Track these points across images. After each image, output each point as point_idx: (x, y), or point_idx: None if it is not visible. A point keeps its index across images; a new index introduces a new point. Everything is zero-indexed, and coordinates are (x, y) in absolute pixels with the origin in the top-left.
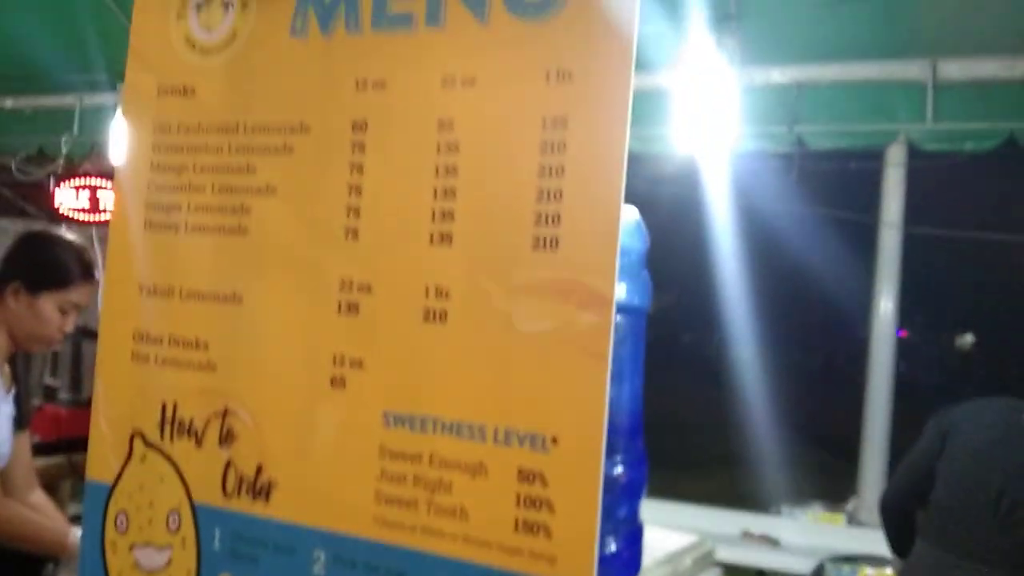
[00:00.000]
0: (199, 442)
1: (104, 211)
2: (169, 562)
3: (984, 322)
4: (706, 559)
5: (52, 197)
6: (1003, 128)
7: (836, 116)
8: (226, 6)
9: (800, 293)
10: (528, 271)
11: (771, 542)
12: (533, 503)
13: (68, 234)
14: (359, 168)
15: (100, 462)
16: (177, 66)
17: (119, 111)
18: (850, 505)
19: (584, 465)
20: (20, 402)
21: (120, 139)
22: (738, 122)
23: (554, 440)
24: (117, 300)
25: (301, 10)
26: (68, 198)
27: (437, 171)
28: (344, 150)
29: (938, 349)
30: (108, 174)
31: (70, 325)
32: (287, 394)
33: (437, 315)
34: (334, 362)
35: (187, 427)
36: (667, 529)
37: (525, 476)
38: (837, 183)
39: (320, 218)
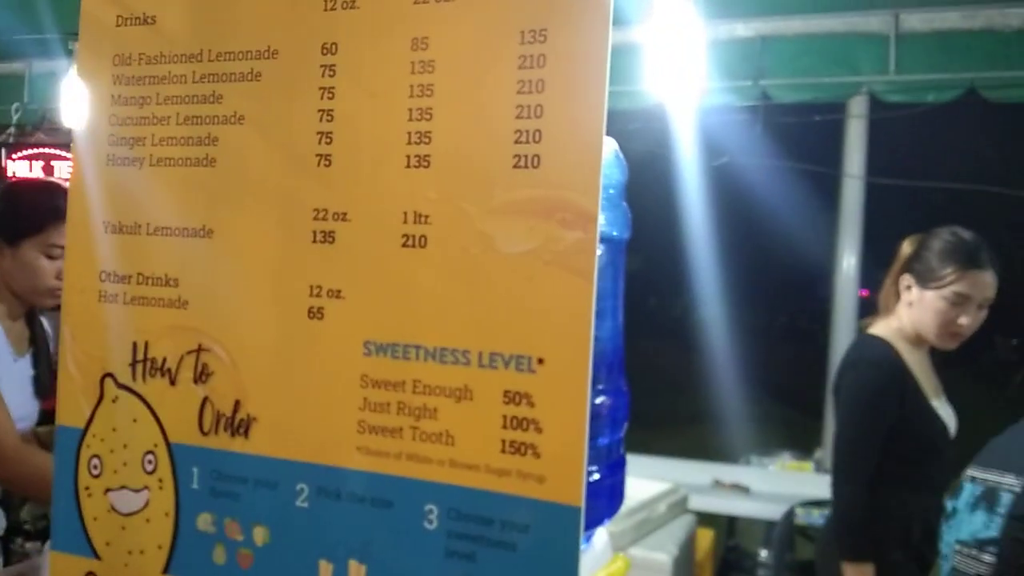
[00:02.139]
0: (173, 381)
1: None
2: (147, 504)
3: None
4: (679, 506)
5: (3, 168)
6: (964, 78)
7: (800, 69)
8: None
9: (766, 251)
10: (509, 191)
11: (742, 490)
12: (520, 424)
13: (36, 179)
14: (330, 92)
15: (71, 406)
16: None
17: (73, 67)
18: (817, 454)
19: (571, 384)
20: (39, 365)
21: (78, 74)
22: (705, 76)
23: (540, 360)
24: (81, 240)
25: None
26: (21, 168)
27: (412, 91)
28: (314, 74)
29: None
30: (62, 143)
31: None
32: (263, 328)
33: (416, 240)
34: (311, 293)
35: (160, 366)
36: (642, 479)
37: (511, 397)
38: (802, 136)
39: (291, 145)
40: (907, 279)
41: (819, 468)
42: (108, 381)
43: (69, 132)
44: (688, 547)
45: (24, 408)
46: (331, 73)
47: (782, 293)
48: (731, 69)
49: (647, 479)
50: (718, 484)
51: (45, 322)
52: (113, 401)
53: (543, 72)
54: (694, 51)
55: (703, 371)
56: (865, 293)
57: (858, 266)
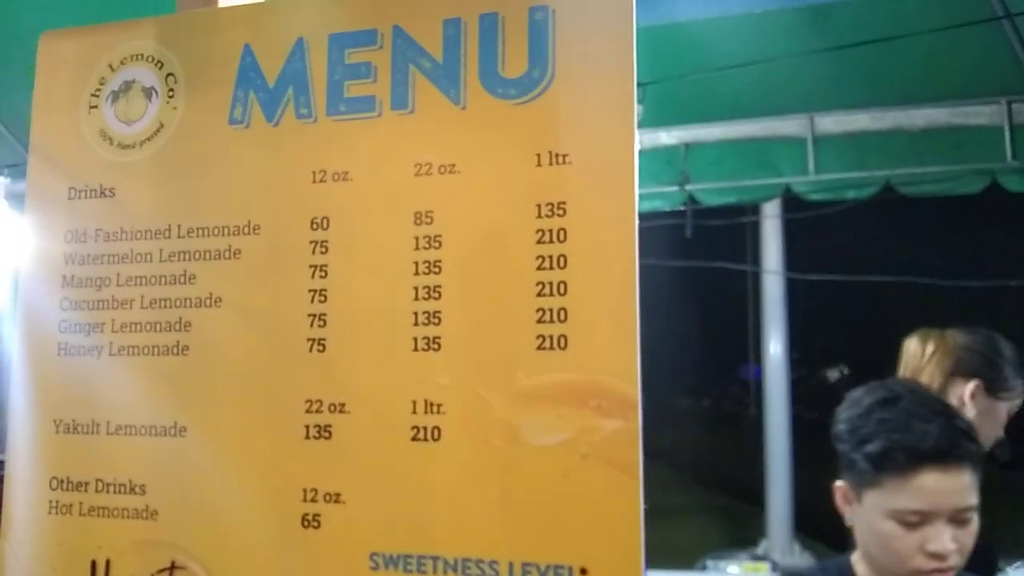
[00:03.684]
0: None
1: None
2: None
3: (855, 355)
4: None
5: None
6: (879, 176)
7: (724, 173)
8: (149, 94)
9: (688, 341)
10: (533, 375)
11: None
12: None
13: None
14: (322, 270)
15: None
16: (91, 164)
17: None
18: (760, 548)
19: None
20: None
21: (22, 252)
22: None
23: (583, 571)
24: (26, 441)
25: (240, 97)
26: None
27: (417, 268)
28: (303, 250)
29: (815, 384)
30: None
31: None
32: (249, 539)
33: (428, 432)
34: (305, 497)
35: None
36: None
37: None
38: (727, 235)
39: (278, 329)
40: (973, 386)
41: (775, 568)
42: None
43: None
44: None
45: None
46: (323, 250)
47: (706, 378)
48: (657, 176)
49: None
50: None
51: None
52: None
53: (564, 247)
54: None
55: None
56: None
57: (784, 352)
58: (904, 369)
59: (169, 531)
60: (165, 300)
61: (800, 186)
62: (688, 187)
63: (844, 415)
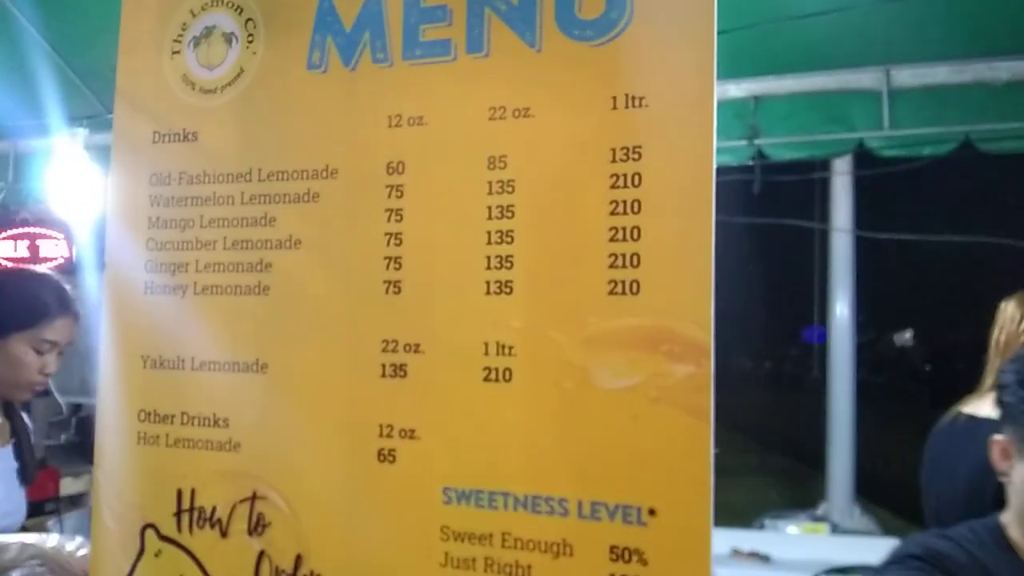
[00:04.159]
0: (224, 532)
1: (45, 260)
2: None
3: (927, 320)
4: None
5: None
6: (958, 132)
7: (794, 127)
8: (229, 40)
9: (751, 301)
10: (605, 319)
11: (762, 558)
12: None
13: (33, 269)
14: (398, 214)
15: (106, 561)
16: (175, 108)
17: (57, 156)
18: (819, 510)
19: (690, 538)
20: (22, 455)
21: (109, 195)
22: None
23: (651, 512)
24: (116, 375)
25: (319, 41)
26: (5, 248)
27: (490, 212)
28: (379, 194)
29: (884, 349)
30: (47, 222)
31: (52, 366)
32: (327, 473)
33: (500, 374)
34: (381, 433)
35: (209, 516)
36: None
37: (619, 554)
38: (792, 192)
39: (355, 271)
40: None
41: (835, 530)
42: (149, 533)
43: (54, 212)
44: None
45: (10, 502)
46: (399, 194)
47: (768, 340)
48: (725, 129)
49: None
50: (736, 553)
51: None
52: (156, 555)
53: (639, 192)
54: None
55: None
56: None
57: (851, 314)
58: (999, 333)
59: (251, 463)
60: (246, 242)
61: (874, 142)
62: (757, 141)
63: (1013, 366)
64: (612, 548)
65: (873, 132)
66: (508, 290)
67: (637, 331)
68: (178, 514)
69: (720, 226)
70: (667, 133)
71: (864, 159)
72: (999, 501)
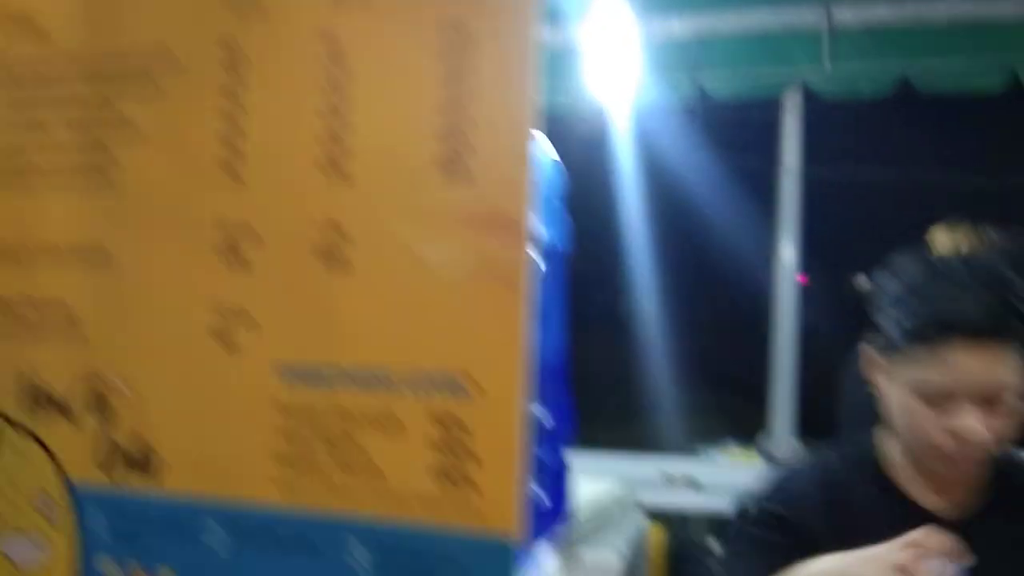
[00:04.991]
0: (67, 414)
1: None
2: (43, 550)
3: (869, 258)
4: (629, 504)
5: None
6: (897, 71)
7: (735, 64)
8: None
9: (703, 244)
10: (436, 201)
11: (692, 484)
12: (453, 451)
13: None
14: (234, 95)
15: None
16: None
17: None
18: (758, 442)
19: (507, 406)
20: None
21: None
22: (641, 75)
23: (472, 382)
24: None
25: None
26: None
27: (324, 91)
28: (214, 72)
29: (835, 294)
30: None
31: None
32: (167, 355)
33: (336, 257)
34: (219, 316)
35: (52, 398)
36: (588, 476)
37: (443, 423)
38: (738, 132)
39: (192, 155)
40: None
41: (770, 459)
42: None
43: None
44: (639, 546)
45: None
46: (235, 73)
47: (718, 284)
48: (667, 67)
49: (595, 476)
50: (668, 479)
51: None
52: None
53: (464, 66)
54: (629, 50)
55: (648, 363)
56: (803, 279)
57: (797, 256)
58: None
59: (93, 345)
60: (82, 122)
61: (813, 79)
62: (697, 77)
63: (885, 280)
64: (436, 417)
65: (814, 70)
66: (343, 173)
67: (465, 212)
68: (20, 397)
69: (663, 167)
70: (493, 10)
71: (810, 101)
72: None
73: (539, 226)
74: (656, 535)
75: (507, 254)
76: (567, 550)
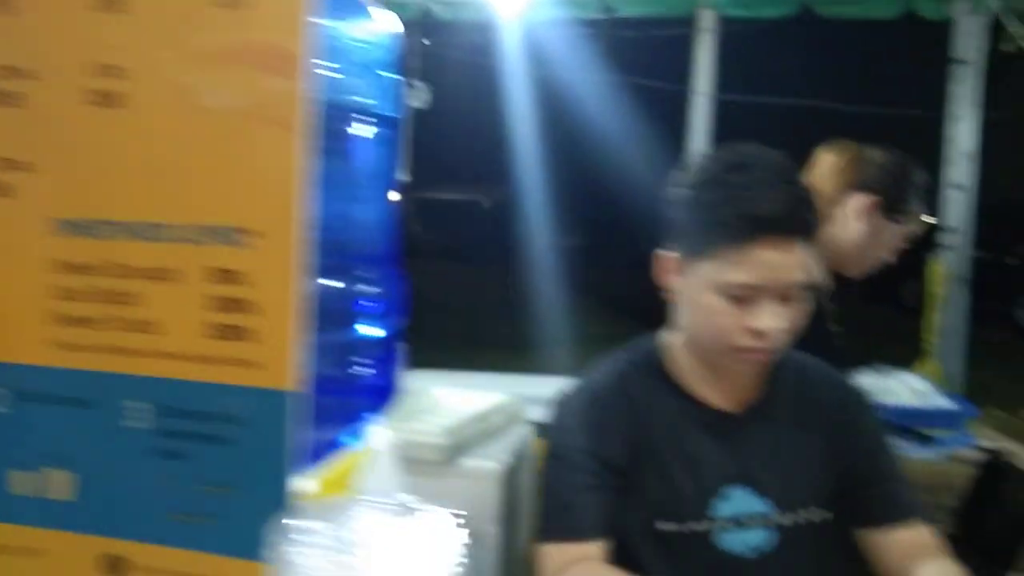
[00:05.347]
0: None
1: None
2: None
3: None
4: (515, 416)
5: None
6: None
7: None
8: None
9: (600, 168)
10: (211, 34)
11: None
12: (232, 305)
13: None
14: None
15: None
16: None
17: None
18: None
19: (287, 256)
20: None
21: None
22: None
23: (249, 232)
24: None
25: None
26: None
27: None
28: None
29: None
30: None
31: None
32: None
33: (112, 97)
34: None
35: None
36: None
37: (220, 276)
38: (641, 56)
39: None
40: (869, 201)
41: None
42: None
43: None
44: (524, 457)
45: None
46: None
47: (617, 210)
48: None
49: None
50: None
51: None
52: None
53: None
54: None
55: (549, 293)
56: None
57: None
58: (809, 175)
59: None
60: None
61: (720, 1)
62: None
63: (683, 179)
64: (213, 269)
65: None
66: (119, 7)
67: (240, 45)
68: None
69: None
70: None
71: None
72: None
73: (371, 91)
74: (541, 447)
75: (284, 93)
76: (445, 456)
